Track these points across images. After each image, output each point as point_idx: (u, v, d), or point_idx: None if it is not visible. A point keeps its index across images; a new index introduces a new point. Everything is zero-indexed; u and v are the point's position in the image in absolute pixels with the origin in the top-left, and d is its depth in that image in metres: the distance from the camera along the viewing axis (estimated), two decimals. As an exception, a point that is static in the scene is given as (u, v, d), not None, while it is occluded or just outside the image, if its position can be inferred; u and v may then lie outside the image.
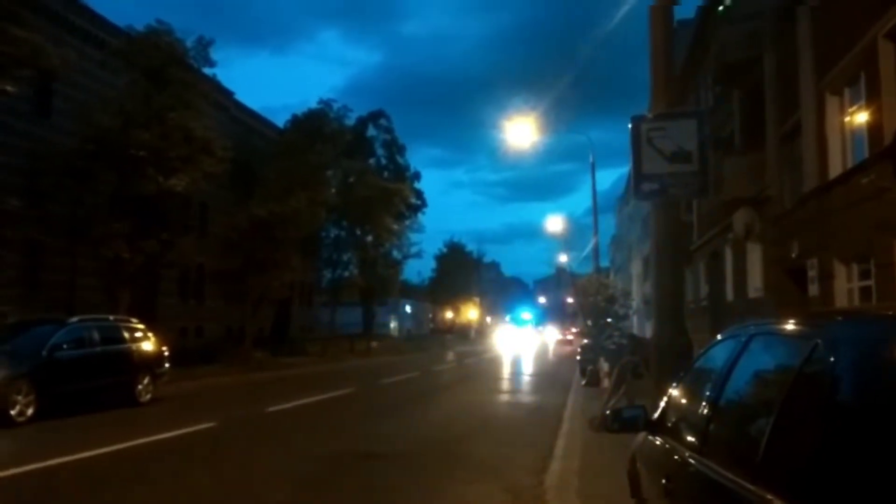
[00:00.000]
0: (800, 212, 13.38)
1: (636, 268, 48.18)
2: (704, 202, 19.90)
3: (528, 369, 29.69)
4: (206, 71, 24.18)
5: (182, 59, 22.64)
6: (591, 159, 28.96)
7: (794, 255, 13.56)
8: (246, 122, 37.44)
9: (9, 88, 17.00)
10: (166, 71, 21.85)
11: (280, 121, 39.05)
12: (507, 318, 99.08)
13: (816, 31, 12.43)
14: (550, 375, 24.90)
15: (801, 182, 13.32)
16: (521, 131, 23.79)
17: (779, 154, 15.00)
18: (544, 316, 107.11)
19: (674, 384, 4.15)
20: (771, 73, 15.14)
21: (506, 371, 28.59)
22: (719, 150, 17.45)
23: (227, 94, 33.58)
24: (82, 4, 25.01)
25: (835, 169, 11.77)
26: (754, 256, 17.00)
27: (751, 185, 15.93)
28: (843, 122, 11.74)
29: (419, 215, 52.58)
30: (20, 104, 21.34)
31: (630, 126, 7.79)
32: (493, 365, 32.42)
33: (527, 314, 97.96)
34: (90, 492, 7.08)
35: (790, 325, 2.68)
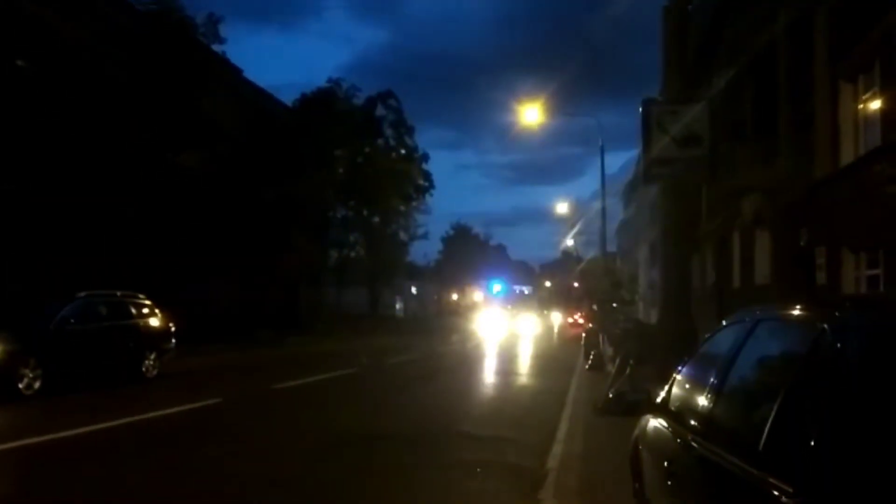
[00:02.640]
0: (810, 199, 13.28)
1: (643, 253, 48.04)
2: (714, 188, 19.78)
3: (530, 351, 29.74)
4: (216, 48, 24.14)
5: (192, 35, 22.57)
6: (599, 143, 28.73)
7: (802, 243, 13.48)
8: (254, 100, 37.33)
9: (19, 63, 17.00)
10: (176, 48, 21.79)
11: (286, 98, 38.93)
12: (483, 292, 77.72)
13: (831, 18, 12.27)
14: (554, 359, 24.96)
15: (813, 169, 13.21)
16: (529, 113, 23.68)
17: (791, 141, 14.86)
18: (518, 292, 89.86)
19: (678, 369, 4.15)
20: (785, 60, 14.97)
21: (509, 352, 28.66)
22: (731, 136, 17.31)
23: (236, 71, 33.46)
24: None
25: (847, 157, 11.66)
26: (762, 244, 16.91)
27: (761, 172, 15.80)
28: (856, 110, 11.61)
29: (426, 197, 52.51)
30: (29, 81, 21.32)
31: (641, 109, 7.74)
32: (495, 346, 32.49)
33: (496, 286, 73.21)
34: (95, 464, 7.16)
35: (796, 311, 2.67)
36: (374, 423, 10.05)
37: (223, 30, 24.43)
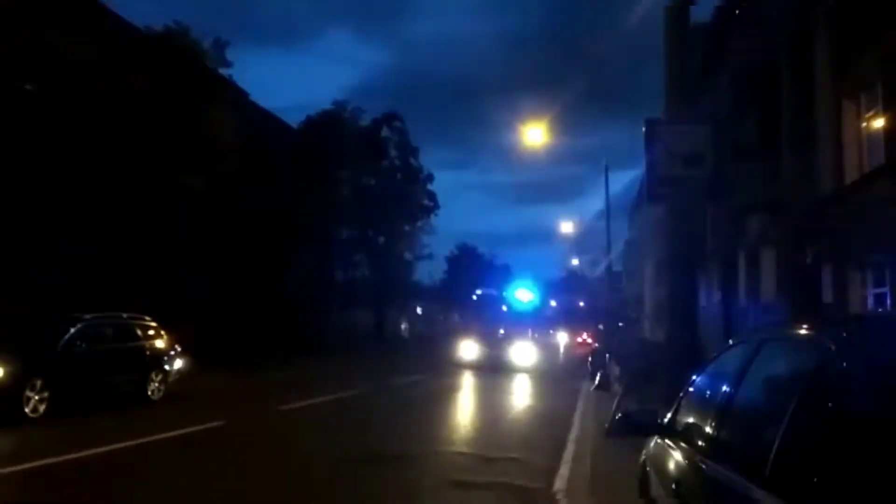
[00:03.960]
0: (815, 217, 13.27)
1: (648, 272, 47.96)
2: (718, 207, 19.79)
3: (534, 372, 29.61)
4: (222, 72, 24.41)
5: (199, 60, 22.84)
6: (604, 162, 28.92)
7: (808, 261, 13.44)
8: (260, 122, 37.62)
9: (29, 87, 17.20)
10: (183, 72, 22.04)
11: (291, 119, 39.25)
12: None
13: (833, 36, 12.34)
14: (560, 379, 24.84)
15: (817, 187, 13.21)
16: (533, 133, 23.79)
17: (794, 159, 14.87)
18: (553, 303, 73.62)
19: (685, 389, 4.13)
20: (786, 78, 15.02)
21: (515, 372, 28.52)
22: (735, 155, 17.35)
23: (242, 94, 33.77)
24: (101, 5, 25.25)
25: (851, 174, 11.67)
26: (768, 262, 16.88)
27: (765, 190, 15.81)
28: (859, 128, 11.64)
29: (431, 217, 52.61)
30: (40, 103, 21.56)
31: (644, 129, 7.78)
32: (503, 367, 32.33)
33: (524, 293, 37.66)
34: (101, 486, 7.14)
35: (802, 331, 2.66)
36: (379, 444, 9.99)
37: (229, 53, 24.72)
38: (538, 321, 37.43)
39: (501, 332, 29.05)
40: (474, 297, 34.18)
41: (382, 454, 9.15)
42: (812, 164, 13.64)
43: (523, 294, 33.67)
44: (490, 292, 34.95)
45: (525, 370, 26.38)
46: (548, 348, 43.58)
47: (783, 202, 15.20)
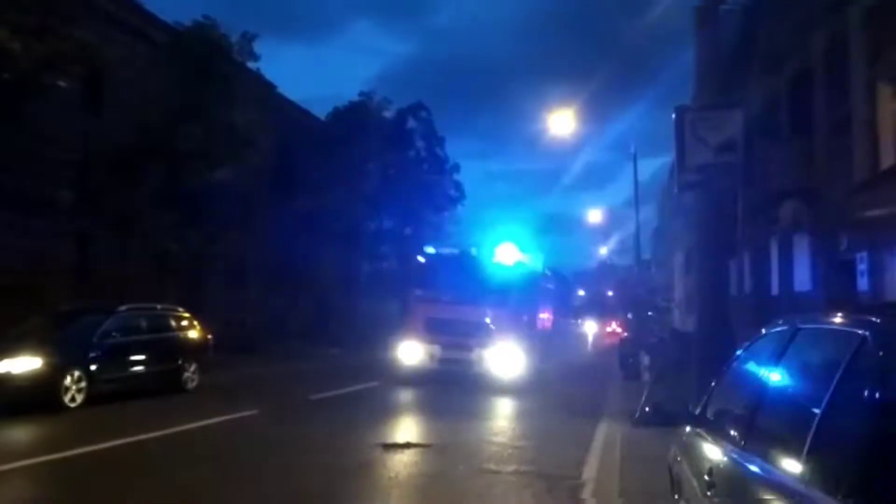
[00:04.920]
0: (849, 203, 13.02)
1: (678, 260, 47.41)
2: (750, 193, 19.50)
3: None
4: (250, 65, 24.59)
5: (227, 53, 23.03)
6: (632, 149, 28.47)
7: (842, 248, 13.21)
8: (288, 115, 37.90)
9: (61, 84, 17.51)
10: (212, 66, 22.25)
11: (318, 111, 39.40)
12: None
13: (868, 19, 12.05)
14: (589, 367, 24.73)
15: (851, 173, 12.95)
16: (558, 121, 23.61)
17: (828, 144, 14.60)
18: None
19: (717, 378, 4.11)
20: (820, 62, 14.73)
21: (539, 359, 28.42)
22: (766, 141, 17.07)
23: (270, 87, 34.03)
24: (131, 1, 25.59)
25: (887, 159, 11.42)
26: (801, 249, 16.60)
27: (798, 177, 15.55)
28: (895, 112, 11.38)
29: (458, 207, 52.53)
30: (72, 100, 21.97)
31: (674, 116, 7.70)
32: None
33: (510, 251, 19.68)
34: (142, 473, 7.32)
35: (838, 319, 2.64)
36: (410, 431, 10.08)
37: (256, 46, 24.85)
38: (534, 299, 20.55)
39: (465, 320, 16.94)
40: (422, 260, 20.19)
41: (412, 443, 9.24)
42: (846, 150, 13.38)
43: (509, 253, 19.19)
44: (449, 252, 20.42)
45: (509, 391, 15.92)
46: (566, 342, 35.94)
47: (817, 188, 14.96)
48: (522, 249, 19.99)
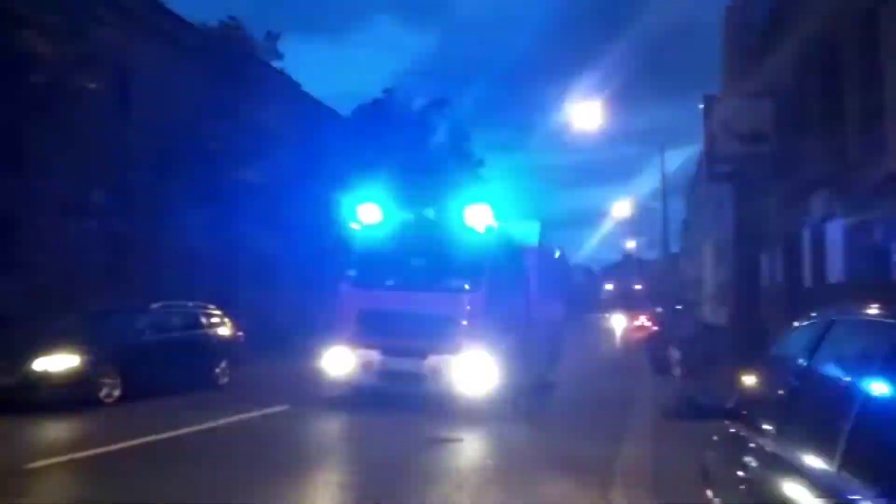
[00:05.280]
0: (883, 192, 12.76)
1: (708, 253, 46.87)
2: (781, 184, 19.21)
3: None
4: (274, 64, 24.86)
5: (253, 53, 23.31)
6: (657, 141, 28.20)
7: (877, 238, 12.96)
8: (312, 112, 38.14)
9: (92, 86, 17.84)
10: (238, 66, 22.52)
11: (342, 108, 39.60)
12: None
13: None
14: (617, 362, 24.57)
15: (884, 162, 12.69)
16: (583, 114, 23.45)
17: (861, 133, 14.32)
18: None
19: (750, 371, 4.07)
20: (851, 49, 14.44)
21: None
22: (797, 130, 16.79)
23: (295, 86, 34.29)
24: (158, 2, 25.94)
25: (923, 147, 11.18)
26: (834, 240, 16.32)
27: (831, 166, 15.28)
28: (932, 98, 11.13)
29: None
30: (102, 101, 22.36)
31: (703, 107, 7.60)
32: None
33: (481, 212, 12.34)
34: (181, 466, 7.46)
35: (872, 310, 2.60)
36: (440, 426, 10.10)
37: (280, 45, 25.11)
38: (526, 282, 13.81)
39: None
40: (356, 229, 13.90)
41: (443, 436, 9.29)
42: (879, 138, 13.11)
43: (482, 217, 12.52)
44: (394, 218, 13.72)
45: (484, 424, 10.71)
46: (586, 339, 32.69)
47: (849, 177, 14.68)
48: (506, 215, 13.79)
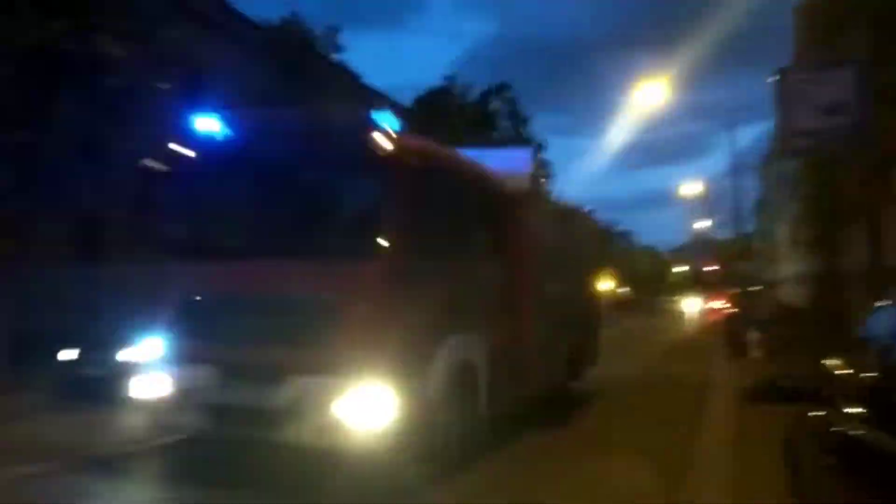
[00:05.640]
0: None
1: (784, 232, 45.20)
2: (862, 158, 18.33)
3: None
4: (335, 57, 25.30)
5: (314, 48, 23.74)
6: (724, 118, 27.26)
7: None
8: (374, 104, 38.51)
9: (163, 86, 18.51)
10: (301, 61, 22.99)
11: (402, 98, 39.86)
12: None
13: None
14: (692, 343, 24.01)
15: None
16: (647, 93, 22.85)
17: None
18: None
19: (833, 353, 3.92)
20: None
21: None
22: (879, 100, 15.95)
23: (355, 77, 34.73)
24: (224, 2, 26.65)
25: None
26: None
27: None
28: None
29: (546, 186, 51.98)
30: (173, 101, 23.17)
31: (776, 79, 7.31)
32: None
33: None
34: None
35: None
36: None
37: (339, 38, 25.54)
38: (471, 242, 7.65)
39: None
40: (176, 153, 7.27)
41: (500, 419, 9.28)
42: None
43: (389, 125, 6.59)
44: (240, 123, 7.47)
45: None
46: (641, 330, 29.54)
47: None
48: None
